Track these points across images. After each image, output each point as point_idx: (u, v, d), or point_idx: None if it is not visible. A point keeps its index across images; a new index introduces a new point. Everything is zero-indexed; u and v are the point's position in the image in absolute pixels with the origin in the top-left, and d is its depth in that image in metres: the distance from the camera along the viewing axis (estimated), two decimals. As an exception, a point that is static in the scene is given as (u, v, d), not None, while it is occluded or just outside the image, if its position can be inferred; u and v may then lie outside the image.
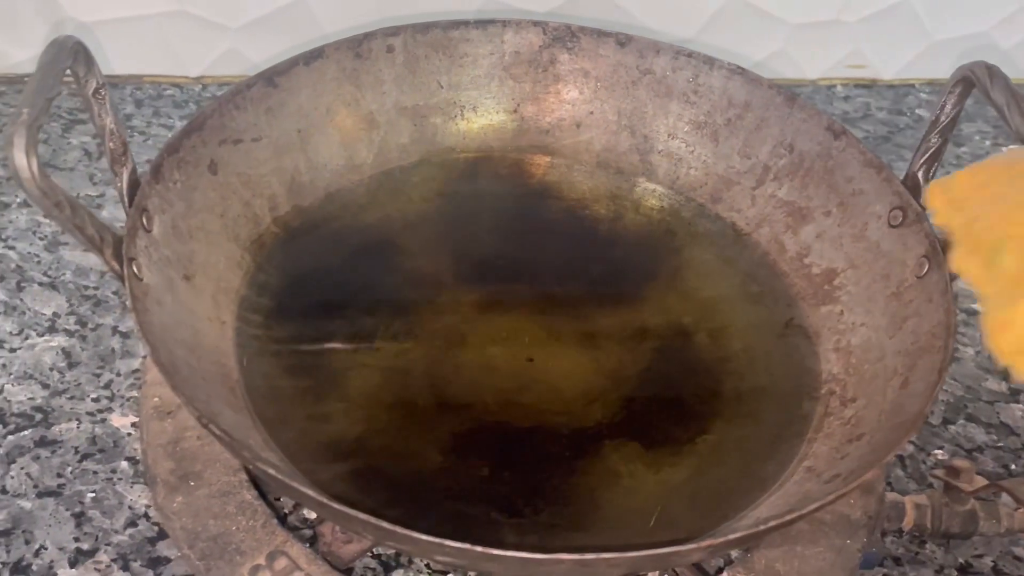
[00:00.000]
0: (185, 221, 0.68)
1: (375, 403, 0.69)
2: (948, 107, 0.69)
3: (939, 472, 0.71)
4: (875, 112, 1.12)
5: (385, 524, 0.49)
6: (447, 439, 0.67)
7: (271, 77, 0.76)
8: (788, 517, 0.52)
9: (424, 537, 0.49)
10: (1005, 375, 0.83)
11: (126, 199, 0.63)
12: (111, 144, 0.63)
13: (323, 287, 0.76)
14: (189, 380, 0.60)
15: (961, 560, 0.70)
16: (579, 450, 0.67)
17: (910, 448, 0.77)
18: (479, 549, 0.49)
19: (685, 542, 0.50)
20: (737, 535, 0.52)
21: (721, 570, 0.66)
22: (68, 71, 0.59)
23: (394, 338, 0.72)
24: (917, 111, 1.13)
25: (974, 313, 0.89)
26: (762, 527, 0.52)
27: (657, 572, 0.66)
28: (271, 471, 0.51)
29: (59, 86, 0.57)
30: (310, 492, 0.50)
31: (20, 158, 0.51)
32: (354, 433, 0.67)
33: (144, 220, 0.63)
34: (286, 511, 0.68)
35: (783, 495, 0.64)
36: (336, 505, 0.50)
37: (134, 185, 0.64)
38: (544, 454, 0.67)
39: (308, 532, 0.67)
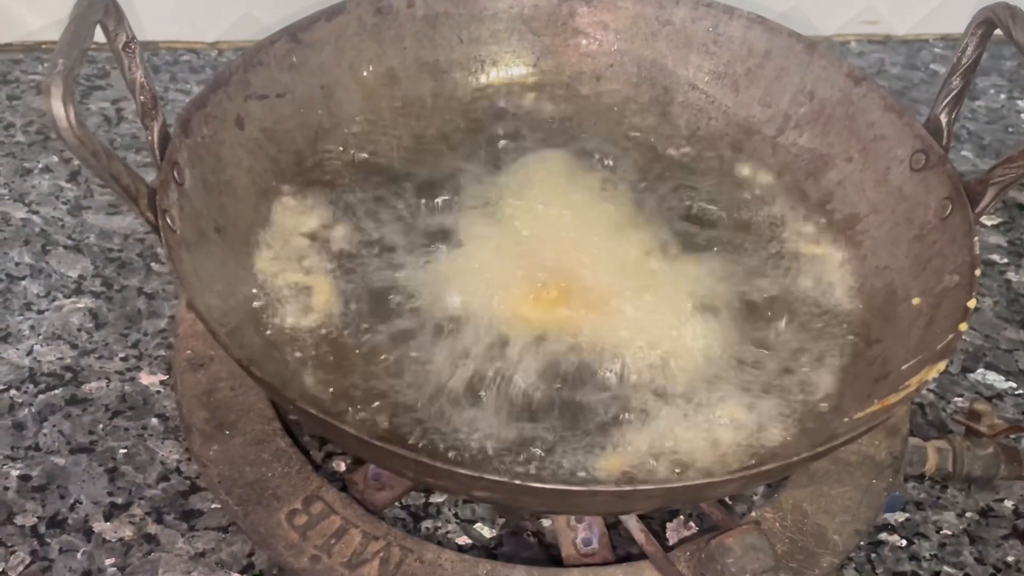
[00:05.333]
0: (214, 175, 0.69)
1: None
2: (969, 49, 0.69)
3: (960, 416, 0.71)
4: (889, 68, 1.12)
5: (426, 459, 0.50)
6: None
7: (294, 33, 0.76)
8: (817, 450, 0.53)
9: (462, 471, 0.49)
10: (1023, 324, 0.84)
11: (157, 152, 0.63)
12: (142, 97, 0.63)
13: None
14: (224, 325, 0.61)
15: (982, 504, 0.71)
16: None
17: (930, 396, 0.77)
18: (517, 483, 0.49)
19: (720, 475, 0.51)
20: (769, 467, 0.52)
21: (749, 510, 0.67)
22: (98, 24, 0.60)
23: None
24: (931, 66, 1.13)
25: (992, 264, 0.89)
26: (794, 458, 0.53)
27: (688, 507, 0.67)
28: (313, 411, 0.52)
29: (91, 38, 0.57)
30: (353, 431, 0.51)
31: (58, 107, 0.52)
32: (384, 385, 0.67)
33: (175, 173, 0.63)
34: (319, 461, 0.69)
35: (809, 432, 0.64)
36: (379, 443, 0.50)
37: (164, 139, 0.64)
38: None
39: (339, 484, 0.67)
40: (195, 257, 0.63)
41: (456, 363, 0.67)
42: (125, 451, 0.69)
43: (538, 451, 0.62)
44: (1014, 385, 0.79)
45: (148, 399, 0.72)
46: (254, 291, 0.69)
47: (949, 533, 0.69)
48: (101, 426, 0.70)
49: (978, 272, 0.63)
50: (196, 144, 0.67)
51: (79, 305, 0.78)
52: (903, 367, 0.62)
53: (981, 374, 0.80)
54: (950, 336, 0.59)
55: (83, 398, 0.72)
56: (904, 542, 0.68)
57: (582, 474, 0.60)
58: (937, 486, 0.71)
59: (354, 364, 0.67)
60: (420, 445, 0.61)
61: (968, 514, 0.70)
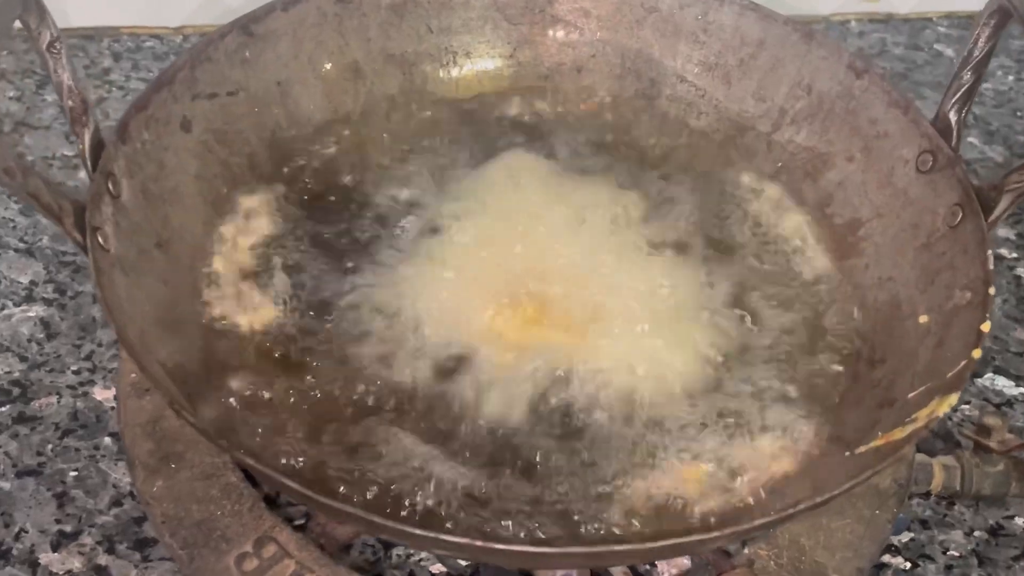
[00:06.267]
0: (157, 184, 0.65)
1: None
2: (981, 41, 0.66)
3: (968, 431, 0.69)
4: (891, 48, 1.10)
5: (376, 518, 0.45)
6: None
7: (246, 25, 0.73)
8: (817, 500, 0.49)
9: (419, 532, 0.45)
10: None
11: (89, 163, 0.60)
12: (70, 102, 0.59)
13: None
14: (161, 359, 0.57)
15: (992, 522, 0.69)
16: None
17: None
18: (479, 544, 0.44)
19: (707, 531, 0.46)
20: (759, 522, 0.49)
21: (743, 545, 0.63)
22: (18, 22, 0.56)
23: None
24: (935, 46, 1.10)
25: (1000, 259, 0.87)
26: (789, 511, 0.49)
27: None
28: (250, 461, 0.47)
29: (8, 37, 0.54)
30: (294, 485, 0.46)
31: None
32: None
33: (110, 185, 0.60)
34: (274, 495, 0.65)
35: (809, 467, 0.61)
36: (322, 499, 0.46)
37: (98, 147, 0.60)
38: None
39: (301, 508, 0.64)
40: (132, 279, 0.59)
41: (424, 400, 0.63)
42: (76, 474, 0.66)
43: (518, 506, 0.57)
44: (1025, 391, 0.76)
45: (101, 416, 0.70)
46: (202, 314, 0.66)
47: (956, 554, 0.67)
48: (50, 446, 0.67)
49: (992, 291, 0.59)
50: (135, 151, 0.64)
51: (30, 314, 0.75)
52: (910, 395, 0.59)
53: (990, 379, 0.78)
54: (962, 363, 0.56)
55: (32, 416, 0.69)
56: (908, 565, 0.66)
57: (565, 522, 0.56)
58: (943, 502, 0.69)
59: (310, 400, 0.63)
60: (372, 497, 0.57)
61: (977, 533, 0.68)
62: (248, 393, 0.62)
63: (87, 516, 0.64)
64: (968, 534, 0.68)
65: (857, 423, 0.61)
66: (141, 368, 0.51)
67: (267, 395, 0.62)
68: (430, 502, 0.57)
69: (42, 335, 0.74)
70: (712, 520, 0.56)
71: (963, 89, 0.67)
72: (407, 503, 0.57)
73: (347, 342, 0.65)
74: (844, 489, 0.50)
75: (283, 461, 0.58)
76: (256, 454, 0.56)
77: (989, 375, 0.78)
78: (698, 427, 0.62)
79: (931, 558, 0.66)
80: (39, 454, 0.67)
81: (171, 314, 0.62)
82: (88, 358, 0.72)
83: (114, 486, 0.65)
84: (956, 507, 0.69)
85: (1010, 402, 0.76)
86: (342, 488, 0.56)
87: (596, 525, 0.55)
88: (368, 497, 0.57)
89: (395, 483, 0.57)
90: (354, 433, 0.61)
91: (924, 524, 0.68)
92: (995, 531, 0.68)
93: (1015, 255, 0.87)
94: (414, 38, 0.81)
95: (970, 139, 0.98)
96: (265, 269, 0.69)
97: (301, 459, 0.58)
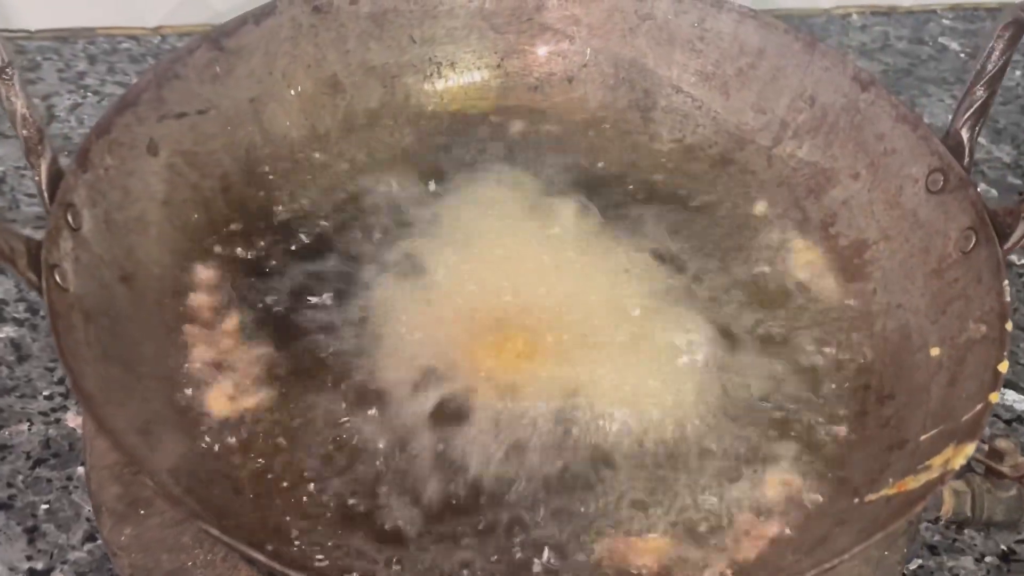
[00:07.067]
0: (121, 212, 0.62)
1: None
2: (995, 55, 0.63)
3: (979, 455, 0.65)
4: (894, 42, 1.08)
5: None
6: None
7: (216, 39, 0.70)
8: (817, 570, 0.47)
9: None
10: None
11: (46, 195, 0.57)
12: (25, 132, 0.56)
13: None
14: (124, 407, 0.54)
15: (1003, 547, 0.67)
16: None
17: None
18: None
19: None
20: None
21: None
22: None
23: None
24: (940, 39, 1.08)
25: (1008, 265, 0.83)
26: None
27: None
28: (214, 532, 0.44)
29: None
30: (270, 561, 0.43)
31: None
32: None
33: (70, 217, 0.57)
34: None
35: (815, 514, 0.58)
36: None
37: (56, 177, 0.57)
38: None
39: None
40: (93, 319, 0.56)
41: (410, 449, 0.60)
42: (47, 506, 0.64)
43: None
44: (1036, 407, 0.74)
45: (75, 444, 0.67)
46: (172, 355, 0.63)
47: None
48: (21, 477, 0.65)
49: (1009, 326, 0.56)
50: (97, 178, 0.61)
51: (0, 335, 0.72)
52: (921, 437, 0.57)
53: (999, 394, 0.73)
54: (978, 407, 0.54)
55: (1, 444, 0.66)
56: None
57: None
58: (953, 526, 0.67)
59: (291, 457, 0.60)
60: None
61: (988, 559, 0.66)
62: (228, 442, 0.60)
63: (59, 552, 0.62)
64: (979, 560, 0.66)
65: (866, 465, 0.59)
66: (99, 425, 0.48)
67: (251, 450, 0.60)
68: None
69: (12, 357, 0.71)
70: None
71: (976, 105, 0.64)
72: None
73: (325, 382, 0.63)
74: (851, 553, 0.47)
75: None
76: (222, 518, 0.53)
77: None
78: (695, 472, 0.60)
79: (941, 586, 0.64)
80: (9, 485, 0.64)
81: (135, 354, 0.59)
82: (61, 382, 0.70)
83: (87, 519, 0.63)
84: (966, 532, 0.67)
85: (1020, 418, 0.74)
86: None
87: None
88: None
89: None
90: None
91: (933, 550, 0.66)
92: (1007, 556, 0.66)
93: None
94: (395, 49, 0.79)
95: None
96: (234, 305, 0.66)
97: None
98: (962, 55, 1.05)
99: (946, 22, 1.10)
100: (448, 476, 0.59)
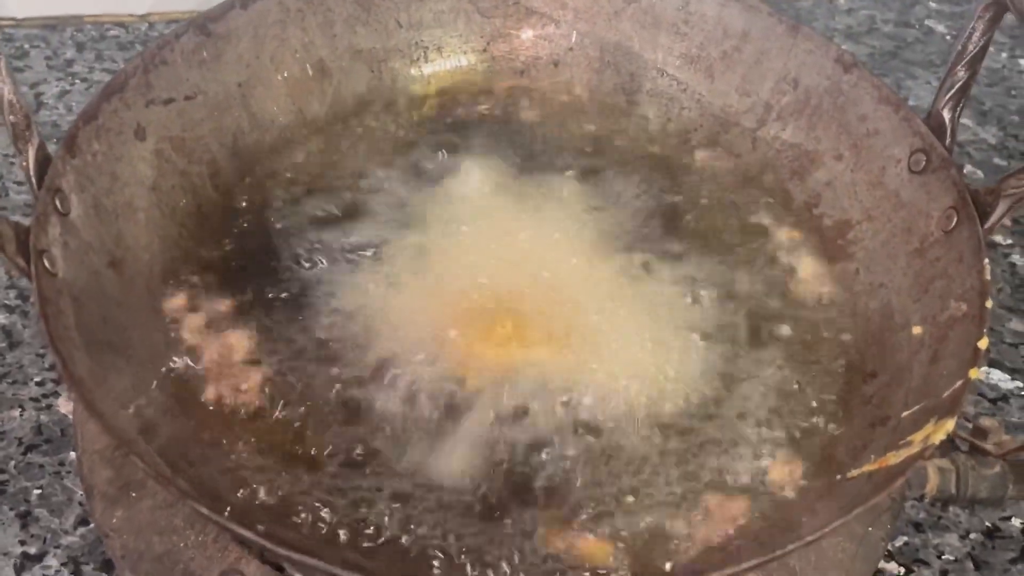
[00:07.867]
0: (110, 198, 0.62)
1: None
2: (976, 35, 0.64)
3: (964, 434, 0.66)
4: (881, 25, 1.08)
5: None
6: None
7: (203, 24, 0.71)
8: (799, 543, 0.47)
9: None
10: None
11: (34, 181, 0.57)
12: (12, 118, 0.56)
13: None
14: (114, 391, 0.54)
15: (988, 524, 0.67)
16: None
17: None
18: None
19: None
20: (739, 567, 0.47)
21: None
22: None
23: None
24: (927, 22, 1.09)
25: (994, 245, 0.85)
26: (776, 553, 0.47)
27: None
28: (205, 511, 0.44)
29: None
30: (262, 540, 0.44)
31: None
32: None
33: (58, 202, 0.57)
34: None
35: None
36: (296, 555, 0.44)
37: (44, 163, 0.57)
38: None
39: None
40: (83, 303, 0.56)
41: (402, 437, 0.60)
42: (40, 492, 0.64)
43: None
44: (1020, 385, 0.75)
45: (66, 430, 0.67)
46: (161, 339, 0.63)
47: (952, 558, 0.65)
48: (13, 463, 0.65)
49: (989, 304, 0.57)
50: (85, 163, 0.61)
51: None
52: (904, 413, 0.57)
53: (984, 372, 0.76)
54: (958, 383, 0.54)
55: None
56: (903, 570, 0.64)
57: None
58: (938, 504, 0.67)
59: (283, 439, 0.60)
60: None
61: (972, 535, 0.67)
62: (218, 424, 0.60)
63: (52, 536, 0.62)
64: (963, 537, 0.66)
65: (848, 442, 0.59)
66: (90, 411, 0.48)
67: (242, 432, 0.59)
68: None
69: (3, 344, 0.71)
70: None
71: (957, 85, 0.65)
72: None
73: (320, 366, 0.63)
74: (832, 527, 0.47)
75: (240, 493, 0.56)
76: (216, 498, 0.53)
77: (984, 368, 0.76)
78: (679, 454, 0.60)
79: (926, 563, 0.65)
80: (1, 471, 0.64)
81: (124, 338, 0.59)
82: (52, 368, 0.70)
83: (80, 504, 0.63)
84: (951, 509, 0.67)
85: (1006, 396, 0.74)
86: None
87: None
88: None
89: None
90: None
91: (918, 527, 0.66)
92: (991, 533, 0.67)
93: (1010, 241, 0.86)
94: (382, 33, 0.79)
95: (963, 120, 0.95)
96: (227, 290, 0.66)
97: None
98: (948, 38, 1.05)
99: (932, 5, 1.10)
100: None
